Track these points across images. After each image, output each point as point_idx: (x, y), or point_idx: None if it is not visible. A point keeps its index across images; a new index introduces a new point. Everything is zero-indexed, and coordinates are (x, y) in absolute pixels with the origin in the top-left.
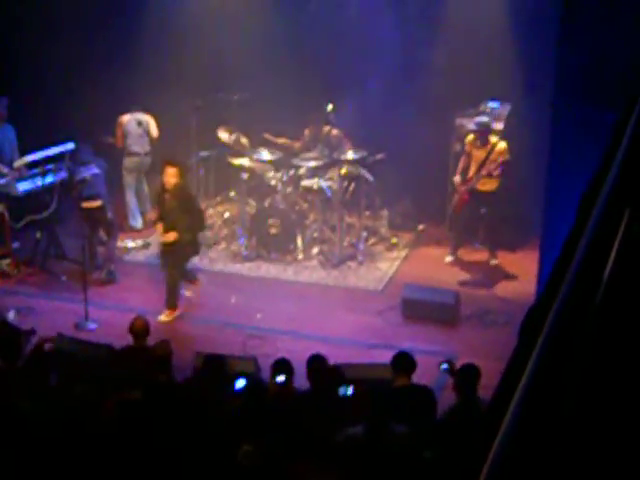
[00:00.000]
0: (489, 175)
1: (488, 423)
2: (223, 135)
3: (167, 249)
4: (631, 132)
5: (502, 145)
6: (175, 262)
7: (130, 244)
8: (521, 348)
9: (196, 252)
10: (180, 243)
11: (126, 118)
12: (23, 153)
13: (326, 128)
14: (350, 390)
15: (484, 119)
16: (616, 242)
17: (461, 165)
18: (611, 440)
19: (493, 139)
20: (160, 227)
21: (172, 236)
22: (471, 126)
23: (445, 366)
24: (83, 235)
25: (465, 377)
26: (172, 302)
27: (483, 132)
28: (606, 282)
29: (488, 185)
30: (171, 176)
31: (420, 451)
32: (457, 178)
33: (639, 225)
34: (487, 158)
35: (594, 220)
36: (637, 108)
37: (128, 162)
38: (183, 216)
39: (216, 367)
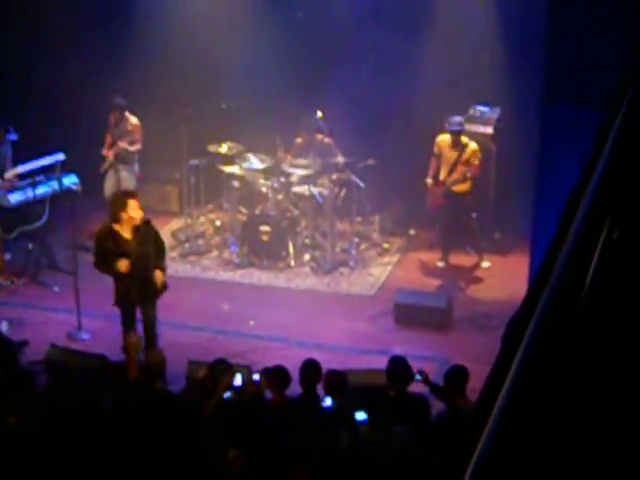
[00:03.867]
0: (464, 178)
1: (473, 427)
2: (214, 148)
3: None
4: (613, 138)
5: (474, 146)
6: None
7: None
8: (503, 356)
9: None
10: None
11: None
12: (16, 164)
13: (319, 136)
14: (329, 402)
15: (459, 119)
16: (597, 249)
17: (432, 167)
18: (586, 446)
19: (464, 139)
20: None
21: (161, 277)
22: (449, 126)
23: (418, 377)
24: (74, 246)
25: (453, 378)
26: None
27: (458, 132)
28: (587, 290)
29: (461, 186)
30: (138, 208)
31: (416, 451)
32: (429, 180)
33: (619, 232)
34: (459, 159)
35: (576, 227)
36: (619, 114)
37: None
38: (152, 249)
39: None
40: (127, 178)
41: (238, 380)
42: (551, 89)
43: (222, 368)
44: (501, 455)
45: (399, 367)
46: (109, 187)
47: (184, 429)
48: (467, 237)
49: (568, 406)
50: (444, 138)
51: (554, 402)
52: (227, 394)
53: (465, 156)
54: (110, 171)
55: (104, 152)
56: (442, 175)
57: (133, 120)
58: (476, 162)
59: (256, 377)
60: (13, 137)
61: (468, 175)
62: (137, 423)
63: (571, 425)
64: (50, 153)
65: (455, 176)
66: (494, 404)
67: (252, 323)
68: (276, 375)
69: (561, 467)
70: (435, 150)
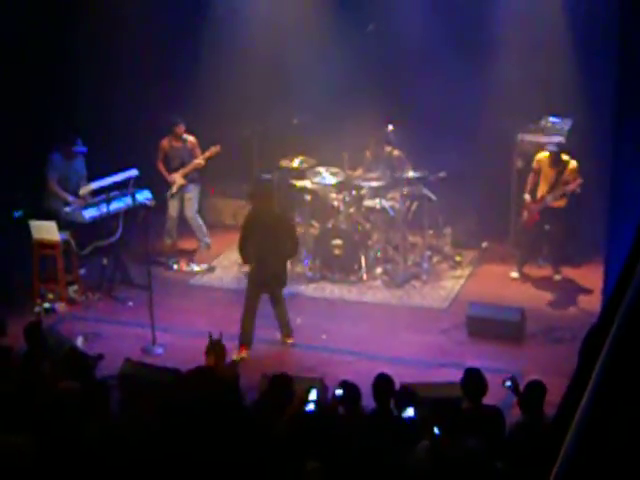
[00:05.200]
0: (563, 195)
1: (551, 441)
2: (285, 162)
3: None
4: None
5: (574, 164)
6: None
7: (195, 268)
8: (581, 370)
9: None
10: None
11: None
12: (90, 181)
13: (388, 148)
14: (412, 412)
15: (559, 139)
16: None
17: (530, 183)
18: None
19: (564, 157)
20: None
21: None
22: (547, 146)
23: (509, 383)
24: (148, 260)
25: (530, 394)
26: None
27: (556, 153)
28: None
29: (559, 202)
30: None
31: (491, 462)
32: (527, 197)
33: None
34: (559, 178)
35: None
36: None
37: None
38: None
39: (283, 386)
40: (195, 198)
41: (314, 394)
42: (624, 101)
43: (283, 382)
44: (584, 466)
45: (475, 379)
46: (174, 209)
47: (254, 442)
48: (547, 251)
49: None
50: (544, 155)
51: (635, 413)
52: (309, 407)
53: (566, 174)
54: (176, 194)
55: (170, 178)
56: (540, 192)
57: (191, 138)
58: (578, 180)
59: (339, 392)
60: (82, 149)
61: (569, 192)
62: (210, 435)
63: None
64: (124, 169)
65: (557, 193)
66: (573, 416)
67: (324, 337)
68: (347, 390)
69: None
70: (534, 166)
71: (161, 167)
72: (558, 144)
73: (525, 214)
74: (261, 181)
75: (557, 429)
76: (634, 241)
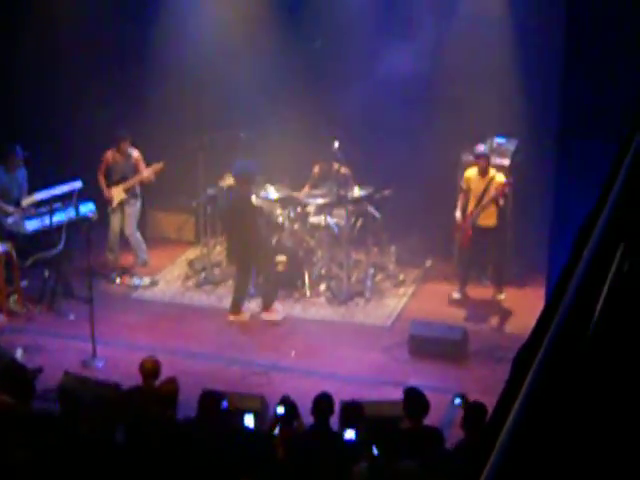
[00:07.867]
0: (490, 204)
1: (480, 455)
2: (229, 178)
3: None
4: (626, 168)
5: (500, 178)
6: None
7: (137, 282)
8: (511, 383)
9: None
10: None
11: None
12: (33, 191)
13: (335, 165)
14: (352, 434)
15: (484, 149)
16: (608, 278)
17: (461, 202)
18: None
19: (491, 172)
20: None
21: None
22: (470, 158)
23: (458, 401)
24: (90, 273)
25: (471, 414)
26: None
27: (484, 162)
28: (597, 318)
29: (488, 220)
30: None
31: None
32: (458, 214)
33: (630, 263)
34: (486, 191)
35: (587, 255)
36: (633, 145)
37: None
38: None
39: (213, 404)
40: (134, 214)
41: (281, 409)
42: (568, 123)
43: (211, 399)
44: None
45: (415, 399)
46: (116, 223)
47: (193, 457)
48: (490, 271)
49: (577, 431)
50: (471, 172)
51: (563, 426)
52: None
53: (492, 189)
54: (117, 208)
55: (107, 192)
56: (470, 208)
57: (135, 153)
58: (503, 192)
59: (281, 410)
60: (21, 155)
61: (501, 202)
62: (148, 452)
63: (579, 450)
64: (67, 181)
65: (478, 210)
66: (502, 428)
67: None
68: (286, 408)
69: None
70: (463, 186)
71: (101, 180)
72: (481, 153)
73: (459, 234)
74: (246, 166)
75: (486, 441)
76: (569, 259)
